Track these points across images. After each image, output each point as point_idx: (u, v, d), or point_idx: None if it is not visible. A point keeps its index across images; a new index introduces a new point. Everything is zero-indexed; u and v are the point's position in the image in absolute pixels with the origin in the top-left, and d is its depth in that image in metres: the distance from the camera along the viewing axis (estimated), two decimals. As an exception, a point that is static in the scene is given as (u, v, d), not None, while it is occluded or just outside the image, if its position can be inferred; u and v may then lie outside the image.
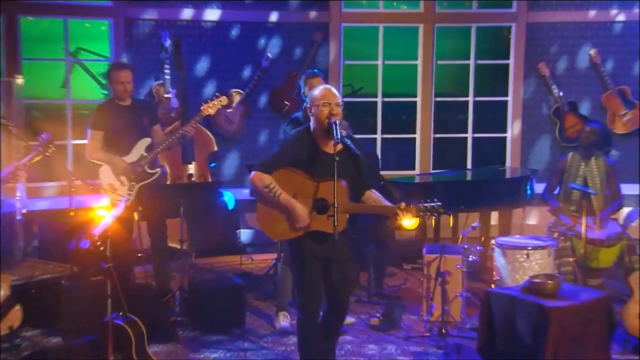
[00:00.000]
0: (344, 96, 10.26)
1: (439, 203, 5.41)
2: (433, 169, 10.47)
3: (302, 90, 7.47)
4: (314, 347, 5.69)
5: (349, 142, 5.58)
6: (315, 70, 7.85)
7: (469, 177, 9.98)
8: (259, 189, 5.46)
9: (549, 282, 5.60)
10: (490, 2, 11.30)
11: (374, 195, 5.60)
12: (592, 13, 10.09)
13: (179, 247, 7.68)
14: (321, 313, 5.75)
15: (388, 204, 5.54)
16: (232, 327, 7.00)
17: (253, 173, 5.47)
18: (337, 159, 5.06)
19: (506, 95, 10.42)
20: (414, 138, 10.51)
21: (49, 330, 6.69)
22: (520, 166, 10.50)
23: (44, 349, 6.32)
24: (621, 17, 10.10)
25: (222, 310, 7.05)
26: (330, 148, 5.26)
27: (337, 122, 5.20)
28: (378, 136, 10.59)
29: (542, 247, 6.99)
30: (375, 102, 10.52)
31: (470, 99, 10.51)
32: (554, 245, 7.25)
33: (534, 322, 5.33)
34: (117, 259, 6.86)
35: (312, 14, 10.16)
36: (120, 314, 5.71)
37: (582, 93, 10.16)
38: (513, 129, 10.40)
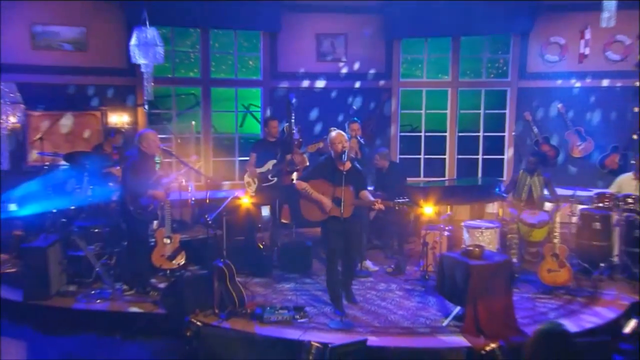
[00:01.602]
0: (404, 132, 11.03)
1: (406, 200, 6.44)
2: (456, 177, 10.89)
3: (346, 130, 8.20)
4: (335, 283, 6.41)
5: (355, 162, 6.54)
6: (355, 119, 8.81)
7: (465, 183, 10.07)
8: (300, 190, 6.26)
9: (475, 249, 6.10)
10: (494, 72, 11.72)
11: (365, 193, 6.31)
12: (559, 81, 10.37)
13: (286, 221, 8.28)
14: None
15: (372, 199, 6.28)
16: (302, 270, 7.66)
17: (297, 182, 6.43)
18: (344, 173, 6.00)
19: (504, 131, 10.83)
20: (445, 158, 11.00)
21: (202, 267, 7.55)
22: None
23: (182, 275, 6.88)
24: (578, 84, 10.32)
25: (298, 259, 7.71)
26: (342, 167, 6.11)
27: (346, 151, 6.08)
28: (422, 156, 11.06)
29: (491, 228, 7.69)
30: (420, 135, 11.05)
31: (480, 134, 10.98)
32: (499, 227, 7.79)
33: (464, 274, 5.91)
34: (249, 227, 8.18)
35: (382, 82, 10.75)
36: (221, 259, 6.49)
37: (553, 131, 10.44)
38: (508, 154, 10.79)
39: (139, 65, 7.89)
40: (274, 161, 8.04)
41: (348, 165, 6.18)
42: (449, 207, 8.66)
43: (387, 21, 10.55)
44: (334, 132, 6.33)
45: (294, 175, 9.12)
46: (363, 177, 6.47)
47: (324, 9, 10.59)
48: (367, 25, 10.67)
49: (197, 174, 8.34)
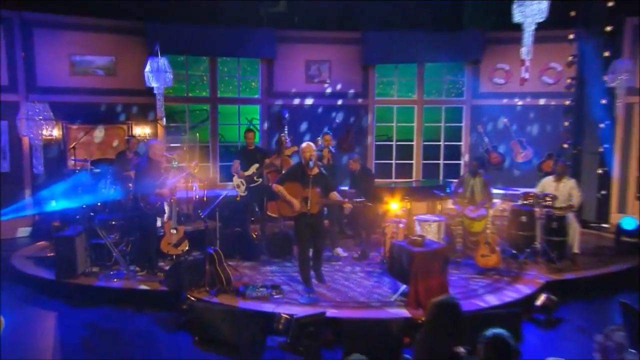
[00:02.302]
0: (378, 141, 10.91)
1: (362, 199, 6.58)
2: (422, 178, 11.00)
3: (321, 141, 8.25)
4: (305, 266, 6.41)
5: (322, 169, 6.48)
6: (328, 131, 8.76)
7: (426, 184, 10.10)
8: (275, 191, 6.29)
9: (418, 239, 6.15)
10: (454, 92, 11.75)
11: (334, 194, 6.33)
12: (505, 100, 10.66)
13: (274, 215, 7.98)
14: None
15: (340, 199, 6.42)
16: (285, 255, 7.62)
17: (274, 185, 6.36)
18: (311, 177, 6.05)
19: (460, 141, 11.08)
20: (412, 162, 11.16)
21: (202, 253, 6.74)
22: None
23: (181, 260, 6.81)
24: (520, 103, 10.65)
25: (282, 247, 7.64)
26: (310, 172, 6.14)
27: (313, 159, 6.10)
28: (393, 161, 11.19)
29: (437, 221, 7.65)
30: (392, 144, 11.23)
31: (442, 143, 11.15)
32: (444, 220, 7.79)
33: (408, 258, 5.98)
34: (243, 220, 8.08)
35: (360, 100, 10.89)
36: (212, 247, 6.49)
37: (500, 141, 10.65)
38: (464, 159, 11.03)
39: (153, 88, 8.11)
40: (257, 165, 8.12)
41: (315, 170, 6.24)
42: (409, 203, 8.52)
43: (363, 50, 10.67)
44: (304, 144, 6.39)
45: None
46: (329, 180, 6.48)
47: (311, 40, 10.75)
48: (347, 53, 10.79)
49: (191, 176, 8.30)
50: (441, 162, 11.29)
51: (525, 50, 6.88)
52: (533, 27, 6.71)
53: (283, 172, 7.56)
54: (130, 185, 7.66)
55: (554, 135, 10.51)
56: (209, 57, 10.64)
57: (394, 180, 11.03)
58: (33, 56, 9.34)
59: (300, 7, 10.21)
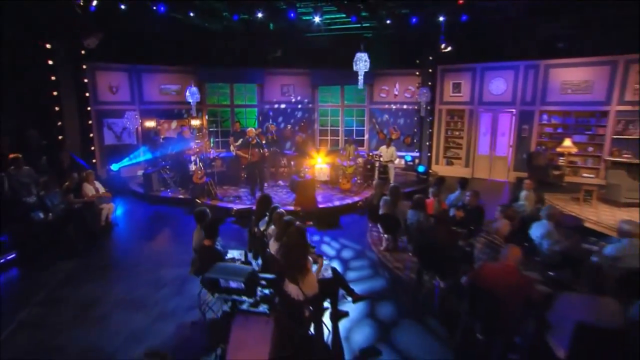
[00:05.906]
0: (321, 127, 11.45)
1: (279, 153, 7.45)
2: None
3: (265, 128, 8.88)
4: (252, 187, 7.07)
5: (258, 141, 7.19)
6: (271, 122, 9.89)
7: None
8: (236, 153, 7.19)
9: (302, 174, 7.05)
10: (357, 99, 12.10)
11: (264, 151, 7.01)
12: (386, 106, 11.36)
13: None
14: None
15: (265, 151, 6.97)
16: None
17: (235, 150, 7.06)
18: (251, 145, 6.89)
19: (363, 126, 11.71)
20: (338, 138, 11.72)
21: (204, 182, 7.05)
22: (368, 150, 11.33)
23: (195, 184, 7.01)
24: (394, 107, 11.30)
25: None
26: (252, 142, 6.96)
27: (252, 137, 6.78)
28: (328, 138, 11.75)
29: (325, 167, 8.44)
30: (328, 129, 11.77)
31: (354, 128, 11.69)
32: (328, 167, 8.38)
33: (295, 184, 6.84)
34: (236, 168, 8.38)
35: (310, 105, 11.50)
36: (209, 179, 7.12)
37: (384, 127, 11.37)
38: (365, 137, 11.64)
39: (190, 102, 8.74)
40: (242, 139, 8.19)
41: (254, 141, 7.31)
42: (325, 158, 9.14)
43: (312, 78, 11.41)
44: (249, 128, 7.31)
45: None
46: (262, 146, 7.40)
47: (284, 73, 11.42)
48: (303, 80, 11.47)
49: (207, 145, 8.84)
50: (353, 138, 12.01)
51: (360, 83, 7.42)
52: (362, 73, 7.39)
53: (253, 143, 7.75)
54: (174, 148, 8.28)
55: (411, 124, 11.32)
56: (230, 83, 11.29)
57: (327, 148, 11.73)
58: (141, 85, 10.25)
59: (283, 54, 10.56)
